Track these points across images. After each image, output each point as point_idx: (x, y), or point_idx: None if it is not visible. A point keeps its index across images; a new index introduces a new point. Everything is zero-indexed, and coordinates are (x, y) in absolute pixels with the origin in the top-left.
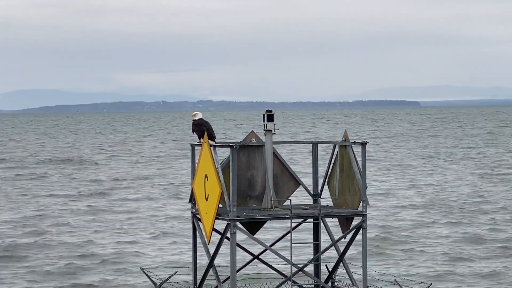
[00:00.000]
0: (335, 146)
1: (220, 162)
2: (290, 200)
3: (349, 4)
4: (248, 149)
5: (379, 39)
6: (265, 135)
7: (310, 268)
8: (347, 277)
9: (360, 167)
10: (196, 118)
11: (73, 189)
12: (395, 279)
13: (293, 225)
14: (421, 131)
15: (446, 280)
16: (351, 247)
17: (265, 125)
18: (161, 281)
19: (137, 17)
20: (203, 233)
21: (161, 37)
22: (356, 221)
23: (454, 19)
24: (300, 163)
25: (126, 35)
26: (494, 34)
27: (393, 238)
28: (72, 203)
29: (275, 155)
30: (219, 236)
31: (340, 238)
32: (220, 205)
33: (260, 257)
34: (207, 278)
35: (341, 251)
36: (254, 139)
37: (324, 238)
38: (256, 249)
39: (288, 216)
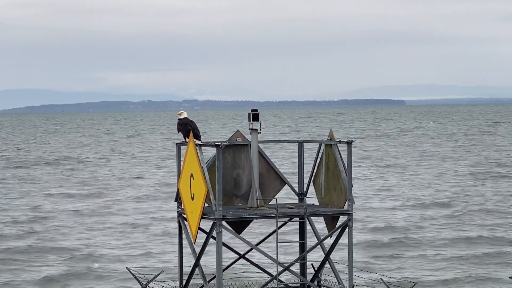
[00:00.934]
0: (320, 145)
1: (205, 161)
2: (276, 199)
3: (334, 3)
4: (233, 149)
5: (364, 38)
6: (250, 134)
7: (296, 267)
8: (333, 276)
9: (346, 166)
10: (182, 117)
11: (64, 190)
12: (381, 278)
13: (279, 224)
14: (412, 130)
15: (434, 279)
16: (337, 246)
17: (251, 124)
18: (147, 281)
19: (122, 17)
20: (189, 232)
21: (146, 37)
22: (342, 220)
23: (439, 18)
24: (286, 162)
25: (111, 34)
26: (479, 33)
27: (381, 237)
28: (62, 203)
29: (261, 154)
30: (205, 236)
31: (326, 237)
32: (206, 205)
33: (246, 256)
34: (193, 278)
35: (327, 250)
36: (239, 138)
37: (310, 237)
38: (242, 248)
39: (274, 215)
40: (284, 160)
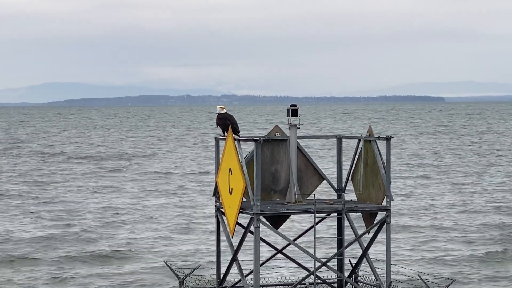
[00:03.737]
0: (359, 141)
1: (244, 156)
2: (314, 194)
3: None
4: (272, 143)
5: (403, 34)
6: (289, 129)
7: (333, 263)
8: (371, 272)
9: (385, 162)
10: (222, 112)
11: (115, 184)
12: (418, 275)
13: (317, 219)
14: (466, 128)
15: (469, 279)
16: (375, 242)
17: (290, 119)
18: (184, 275)
19: (161, 11)
20: (227, 227)
21: (185, 32)
22: (380, 216)
23: (479, 14)
24: (324, 157)
25: (151, 29)
26: None
27: (418, 234)
28: (106, 196)
29: (299, 149)
30: (242, 230)
31: (363, 233)
32: (244, 199)
33: (283, 251)
34: (230, 272)
35: (365, 246)
36: (278, 133)
37: (348, 233)
38: (279, 243)
39: (312, 210)
40: (322, 155)
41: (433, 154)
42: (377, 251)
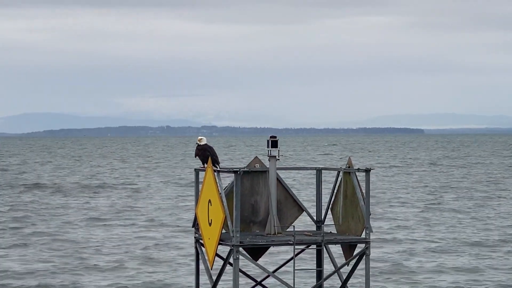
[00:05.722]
0: (339, 172)
1: (224, 187)
2: (294, 226)
3: (351, 31)
4: (252, 175)
5: (382, 67)
6: (269, 160)
7: None
8: None
9: (364, 194)
10: (201, 143)
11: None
12: None
13: (296, 251)
14: (451, 160)
15: None
16: (354, 274)
17: (269, 151)
18: None
19: (141, 42)
20: (206, 258)
21: (165, 62)
22: (359, 248)
23: (458, 47)
24: (304, 189)
25: (130, 59)
26: (497, 63)
27: (399, 268)
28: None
29: (279, 181)
30: (221, 262)
31: (343, 265)
32: (223, 231)
33: (262, 283)
34: None
35: (344, 278)
36: (258, 164)
37: (327, 264)
38: (259, 275)
39: (291, 242)
40: (302, 187)
41: (421, 186)
42: (356, 283)
